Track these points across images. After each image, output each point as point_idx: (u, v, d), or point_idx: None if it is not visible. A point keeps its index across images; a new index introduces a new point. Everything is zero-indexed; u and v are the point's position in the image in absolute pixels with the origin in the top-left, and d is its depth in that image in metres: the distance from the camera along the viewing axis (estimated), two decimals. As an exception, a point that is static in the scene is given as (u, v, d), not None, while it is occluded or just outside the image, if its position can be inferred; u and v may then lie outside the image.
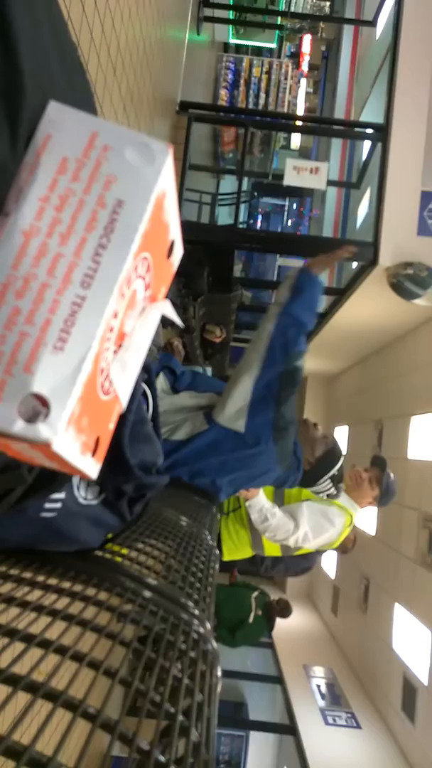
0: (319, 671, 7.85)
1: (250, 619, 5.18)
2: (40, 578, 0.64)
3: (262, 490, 2.33)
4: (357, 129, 6.88)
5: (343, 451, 2.09)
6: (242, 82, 8.62)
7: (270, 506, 2.33)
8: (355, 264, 5.39)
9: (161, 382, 1.84)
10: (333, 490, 2.03)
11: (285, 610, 5.41)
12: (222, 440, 1.67)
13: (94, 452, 0.41)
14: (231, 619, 5.10)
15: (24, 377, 0.36)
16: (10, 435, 0.35)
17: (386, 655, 6.50)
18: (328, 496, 2.06)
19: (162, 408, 1.68)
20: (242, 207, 8.75)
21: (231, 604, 5.16)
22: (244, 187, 8.83)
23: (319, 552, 2.60)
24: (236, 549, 2.49)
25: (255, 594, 5.44)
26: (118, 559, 0.81)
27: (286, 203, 14.16)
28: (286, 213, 14.44)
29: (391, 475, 2.60)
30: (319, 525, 2.37)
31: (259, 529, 2.34)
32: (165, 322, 0.52)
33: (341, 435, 9.51)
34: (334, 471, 1.99)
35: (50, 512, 0.64)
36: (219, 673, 0.63)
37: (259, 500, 2.31)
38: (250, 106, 8.52)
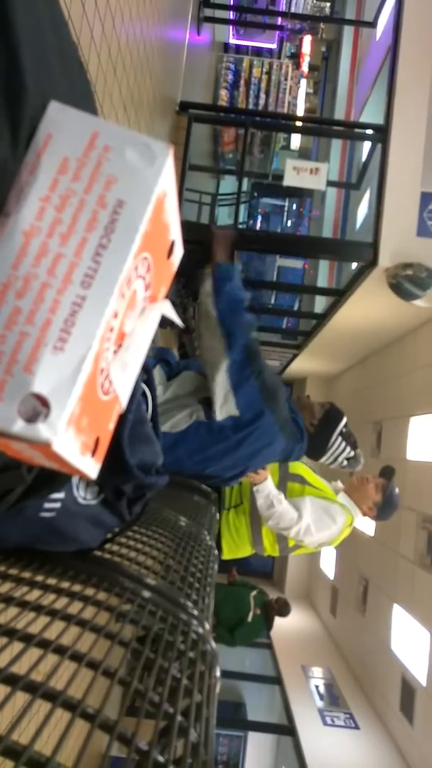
0: (317, 672, 7.85)
1: (249, 618, 5.18)
2: (39, 578, 0.64)
3: (270, 477, 2.32)
4: (357, 130, 6.88)
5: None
6: (242, 82, 8.62)
7: (277, 493, 2.32)
8: (354, 265, 5.39)
9: (157, 373, 1.84)
10: (350, 451, 1.99)
11: (284, 609, 5.41)
12: (223, 427, 1.70)
13: (93, 452, 0.41)
14: (230, 618, 5.10)
15: (24, 377, 0.36)
16: (10, 435, 0.35)
17: (385, 655, 6.50)
18: (347, 461, 2.01)
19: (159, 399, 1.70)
20: (242, 207, 8.75)
21: (230, 604, 5.17)
22: (244, 187, 8.82)
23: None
24: (236, 546, 2.48)
25: (254, 593, 5.45)
26: (117, 558, 0.81)
27: (286, 204, 14.17)
28: (285, 213, 14.45)
29: (396, 489, 2.58)
30: (321, 520, 2.36)
31: (264, 515, 2.31)
32: (165, 322, 0.52)
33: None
34: (341, 427, 1.97)
35: (49, 512, 0.64)
36: (218, 674, 0.63)
37: (267, 485, 2.30)
38: (251, 106, 8.52)
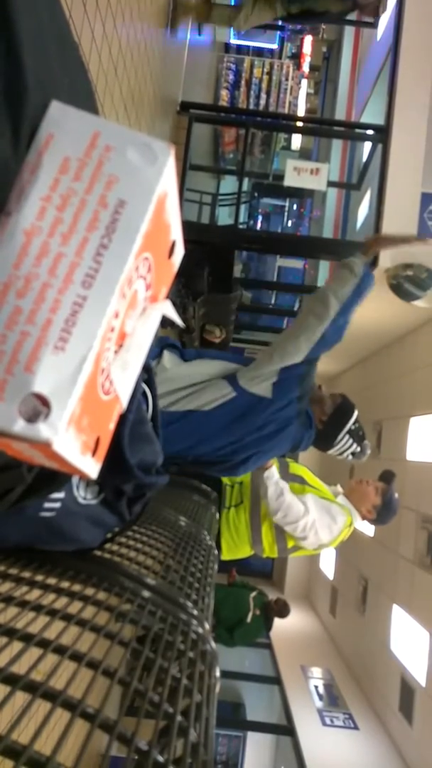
0: (316, 672, 7.85)
1: (249, 619, 5.18)
2: (39, 577, 0.64)
3: (275, 467, 2.32)
4: (357, 130, 6.88)
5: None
6: (243, 82, 8.62)
7: (284, 483, 2.32)
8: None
9: (168, 358, 1.84)
10: (356, 447, 1.99)
11: (283, 610, 5.41)
12: (251, 406, 1.74)
13: (94, 452, 0.41)
14: (229, 618, 5.10)
15: (25, 377, 0.36)
16: (10, 434, 0.35)
17: (384, 656, 6.50)
18: (353, 455, 2.02)
19: (174, 381, 1.73)
20: (242, 207, 8.74)
21: (229, 604, 5.17)
22: (245, 187, 8.83)
23: None
24: (236, 546, 2.48)
25: (253, 594, 5.45)
26: (117, 558, 0.81)
27: (287, 204, 14.16)
28: (286, 214, 14.44)
29: (396, 494, 2.57)
30: (322, 518, 2.35)
31: (272, 506, 2.30)
32: (165, 322, 0.52)
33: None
34: (351, 424, 1.97)
35: (49, 512, 0.64)
36: (217, 674, 0.63)
37: (274, 472, 2.30)
38: (251, 106, 8.52)
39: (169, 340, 2.05)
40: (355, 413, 1.99)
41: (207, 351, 2.02)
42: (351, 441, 1.97)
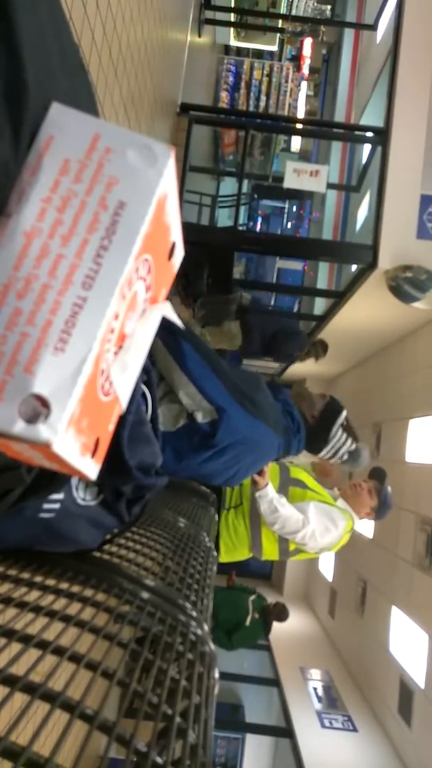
0: (315, 674, 7.84)
1: (247, 623, 5.18)
2: (38, 579, 0.64)
3: (270, 483, 2.31)
4: (357, 132, 6.89)
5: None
6: (243, 84, 8.62)
7: (279, 497, 2.30)
8: (354, 267, 5.40)
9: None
10: (351, 443, 1.95)
11: (282, 614, 5.41)
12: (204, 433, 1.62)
13: (93, 453, 0.41)
14: (228, 621, 5.10)
15: (25, 378, 0.36)
16: (10, 435, 0.35)
17: (383, 658, 6.49)
18: (349, 454, 1.97)
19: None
20: (242, 209, 8.76)
21: (228, 607, 5.17)
22: (244, 189, 8.84)
23: None
24: (234, 548, 2.47)
25: (252, 597, 5.44)
26: (116, 559, 0.81)
27: (286, 206, 14.17)
28: (285, 215, 14.45)
29: (389, 488, 2.59)
30: (323, 525, 2.35)
31: (269, 521, 2.29)
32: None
33: (339, 437, 9.49)
34: (343, 418, 1.93)
35: (49, 513, 0.63)
36: (216, 675, 0.63)
37: (268, 491, 2.28)
38: (251, 108, 8.52)
39: None
40: (345, 411, 1.96)
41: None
42: (345, 435, 1.94)
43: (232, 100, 8.63)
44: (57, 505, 0.64)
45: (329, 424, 1.90)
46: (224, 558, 2.47)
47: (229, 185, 9.24)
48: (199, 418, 1.54)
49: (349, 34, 10.31)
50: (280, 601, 5.58)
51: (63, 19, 0.48)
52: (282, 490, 2.41)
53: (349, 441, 1.94)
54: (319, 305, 7.64)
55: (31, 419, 0.35)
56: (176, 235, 0.48)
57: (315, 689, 7.38)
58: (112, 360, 0.41)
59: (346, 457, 1.98)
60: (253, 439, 1.64)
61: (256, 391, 1.66)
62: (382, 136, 5.17)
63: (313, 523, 2.31)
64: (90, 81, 0.54)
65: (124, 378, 0.44)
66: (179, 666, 0.57)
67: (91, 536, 0.71)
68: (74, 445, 0.38)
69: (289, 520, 2.28)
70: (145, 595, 0.69)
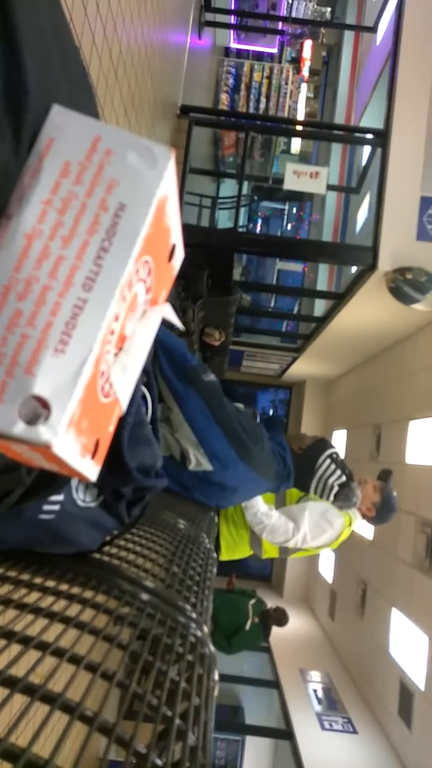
0: (315, 676, 7.83)
1: (247, 627, 5.17)
2: (38, 580, 0.64)
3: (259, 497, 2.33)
4: (357, 134, 6.90)
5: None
6: (243, 86, 8.63)
7: (266, 509, 2.32)
8: (354, 268, 5.40)
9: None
10: (340, 474, 1.96)
11: (281, 619, 5.40)
12: (198, 483, 1.68)
13: (93, 454, 0.41)
14: (227, 625, 5.09)
15: (25, 379, 0.36)
16: (10, 437, 0.35)
17: (383, 659, 6.48)
18: (340, 486, 1.98)
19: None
20: (242, 211, 8.76)
21: (228, 611, 5.16)
22: (244, 191, 8.83)
23: None
24: (235, 546, 2.48)
25: (252, 601, 5.43)
26: (116, 561, 0.81)
27: (286, 207, 14.17)
28: (285, 217, 14.45)
29: (395, 492, 2.58)
30: (318, 526, 2.36)
31: (255, 530, 2.34)
32: (165, 325, 0.52)
33: (339, 439, 9.50)
34: (331, 451, 1.94)
35: (48, 514, 0.63)
36: (216, 677, 0.63)
37: (254, 502, 2.31)
38: (251, 110, 8.53)
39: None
40: (335, 448, 1.98)
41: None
42: (333, 466, 1.94)
43: (232, 102, 8.64)
44: (57, 507, 0.64)
45: (317, 453, 1.93)
46: (225, 556, 2.48)
47: (229, 187, 9.25)
48: (191, 466, 1.59)
49: (349, 36, 10.33)
50: (281, 606, 5.58)
51: (64, 21, 0.49)
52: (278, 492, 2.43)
53: (339, 472, 1.95)
54: (319, 307, 7.65)
55: (32, 420, 0.35)
56: (176, 237, 0.48)
57: (315, 691, 7.37)
58: (112, 361, 0.41)
59: (336, 489, 1.97)
60: (242, 488, 1.71)
61: (256, 441, 1.70)
62: (382, 138, 5.18)
63: (305, 527, 2.32)
64: (90, 83, 0.54)
65: (125, 379, 0.44)
66: (179, 668, 0.57)
67: (91, 538, 0.71)
68: (74, 447, 0.38)
69: (277, 530, 2.30)
70: (144, 596, 0.69)
